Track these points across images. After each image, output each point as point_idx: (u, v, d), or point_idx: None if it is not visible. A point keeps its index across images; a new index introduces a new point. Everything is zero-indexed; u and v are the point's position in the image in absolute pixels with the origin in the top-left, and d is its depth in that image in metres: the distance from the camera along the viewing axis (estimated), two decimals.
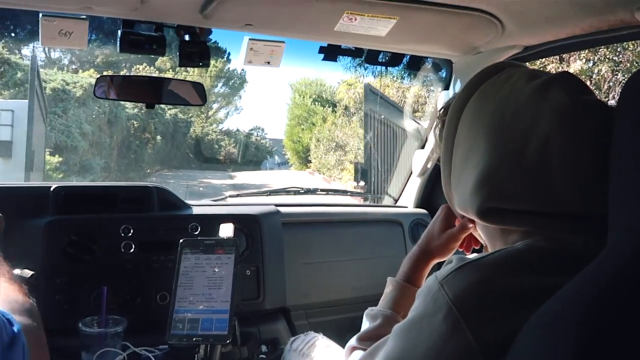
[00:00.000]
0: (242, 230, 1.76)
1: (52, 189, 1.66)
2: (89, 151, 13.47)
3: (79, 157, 12.89)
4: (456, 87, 1.96)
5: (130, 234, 1.64)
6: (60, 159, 11.97)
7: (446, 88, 1.97)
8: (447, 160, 0.89)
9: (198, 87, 1.76)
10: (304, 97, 18.20)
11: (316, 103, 18.08)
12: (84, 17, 1.45)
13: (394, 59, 1.84)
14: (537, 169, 0.75)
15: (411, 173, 2.30)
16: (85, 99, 12.96)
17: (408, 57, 1.87)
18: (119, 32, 1.51)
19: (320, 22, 1.47)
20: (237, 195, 2.47)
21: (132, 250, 1.63)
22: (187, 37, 1.57)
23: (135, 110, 15.94)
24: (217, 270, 1.38)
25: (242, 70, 21.13)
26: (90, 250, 1.59)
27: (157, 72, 17.91)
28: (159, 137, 17.56)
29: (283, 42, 1.62)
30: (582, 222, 0.74)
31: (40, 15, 1.41)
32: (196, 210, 1.81)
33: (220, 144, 21.86)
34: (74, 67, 16.94)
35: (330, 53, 1.74)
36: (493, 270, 0.72)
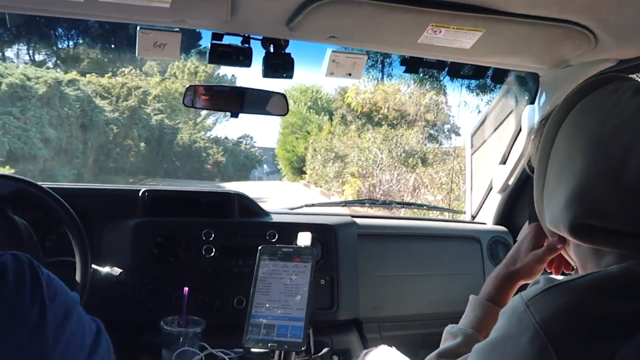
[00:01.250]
0: (319, 239, 1.78)
1: (140, 192, 1.74)
2: (55, 160, 11.98)
3: (39, 167, 11.26)
4: (541, 101, 1.90)
5: (211, 238, 1.70)
6: (13, 170, 9.81)
7: (532, 102, 1.91)
8: (541, 174, 0.85)
9: (280, 97, 1.80)
10: (298, 105, 17.20)
11: (311, 110, 17.30)
12: (177, 29, 1.52)
13: (478, 72, 1.80)
14: (637, 188, 0.71)
15: (491, 189, 2.24)
16: (50, 98, 11.22)
17: (492, 69, 1.83)
18: (209, 43, 1.57)
19: (404, 34, 1.47)
20: (313, 205, 2.49)
21: (212, 254, 1.68)
22: (272, 49, 1.61)
23: (116, 114, 14.61)
24: (294, 278, 1.40)
25: (233, 75, 20.46)
26: (174, 252, 1.66)
27: (144, 75, 17.36)
28: (142, 144, 16.27)
29: (365, 54, 1.63)
30: None
31: (138, 28, 1.50)
32: (274, 218, 1.85)
33: (208, 152, 21.12)
34: (39, 58, 14.52)
35: (413, 65, 1.73)
36: (584, 293, 0.69)
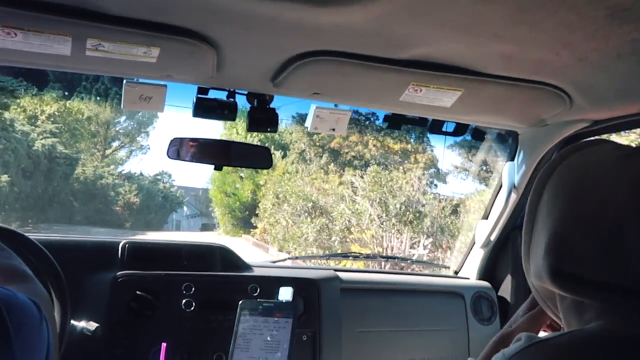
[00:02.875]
0: (301, 294, 1.76)
1: (120, 244, 1.72)
2: None
3: None
4: (520, 158, 1.94)
5: (191, 292, 1.67)
6: None
7: (512, 159, 1.95)
8: (529, 231, 0.88)
9: (264, 151, 1.82)
10: (242, 134, 12.36)
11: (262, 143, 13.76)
12: (163, 83, 1.55)
13: (459, 129, 1.84)
14: (612, 237, 0.73)
15: (474, 243, 2.25)
16: None
17: (472, 127, 1.88)
18: (194, 98, 1.60)
19: (386, 92, 1.51)
20: (297, 258, 2.49)
21: (192, 308, 1.65)
22: (256, 104, 1.64)
23: None
24: (274, 333, 1.38)
25: None
26: (153, 306, 1.63)
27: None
28: (20, 177, 12.36)
29: (349, 110, 1.67)
30: None
31: (125, 81, 1.52)
32: (257, 272, 1.83)
33: (117, 191, 17.62)
34: None
35: (395, 122, 1.77)
36: (561, 353, 0.69)
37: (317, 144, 12.00)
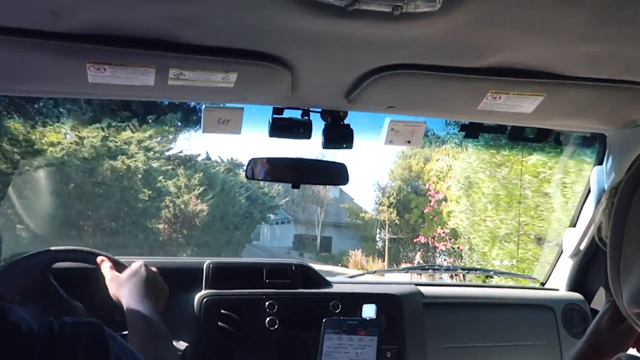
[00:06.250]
0: (383, 310, 1.73)
1: (205, 264, 1.77)
2: None
3: None
4: (609, 161, 1.83)
5: (274, 310, 1.68)
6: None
7: (600, 163, 1.85)
8: (617, 250, 0.80)
9: (340, 167, 1.82)
10: None
11: None
12: (240, 106, 1.58)
13: (541, 135, 1.77)
14: None
15: (561, 252, 2.14)
16: None
17: (555, 131, 1.80)
18: (269, 118, 1.62)
19: (462, 101, 1.47)
20: (375, 272, 2.46)
21: (276, 326, 1.67)
22: (331, 120, 1.64)
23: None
24: (360, 352, 1.36)
25: None
26: (239, 325, 1.66)
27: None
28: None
29: (424, 122, 1.64)
30: None
31: (203, 106, 1.57)
32: (337, 288, 1.83)
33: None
34: None
35: (472, 131, 1.72)
36: None
37: None
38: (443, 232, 12.78)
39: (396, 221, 17.50)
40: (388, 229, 17.82)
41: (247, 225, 15.36)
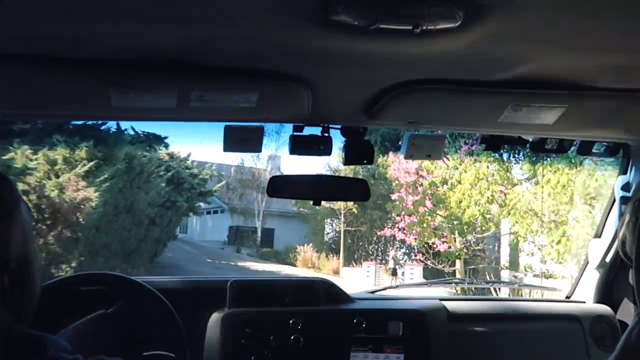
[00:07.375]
0: (407, 326, 1.72)
1: (228, 283, 1.77)
2: None
3: None
4: (634, 171, 1.81)
5: (299, 327, 1.68)
6: None
7: (624, 172, 1.83)
8: None
9: (360, 183, 1.81)
10: None
11: None
12: (260, 125, 1.59)
13: (562, 145, 1.75)
14: None
15: (587, 264, 2.11)
16: None
17: (578, 141, 1.78)
18: (289, 135, 1.63)
19: (483, 115, 1.47)
20: (397, 287, 2.44)
21: (301, 344, 1.66)
22: (351, 137, 1.64)
23: None
24: None
25: None
26: (264, 343, 1.65)
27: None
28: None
29: (445, 136, 1.63)
30: None
31: (224, 125, 1.58)
32: (359, 304, 1.82)
33: None
34: None
35: (493, 143, 1.71)
36: None
37: None
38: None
39: (353, 210, 15.60)
40: (343, 220, 15.94)
41: (169, 218, 12.08)
